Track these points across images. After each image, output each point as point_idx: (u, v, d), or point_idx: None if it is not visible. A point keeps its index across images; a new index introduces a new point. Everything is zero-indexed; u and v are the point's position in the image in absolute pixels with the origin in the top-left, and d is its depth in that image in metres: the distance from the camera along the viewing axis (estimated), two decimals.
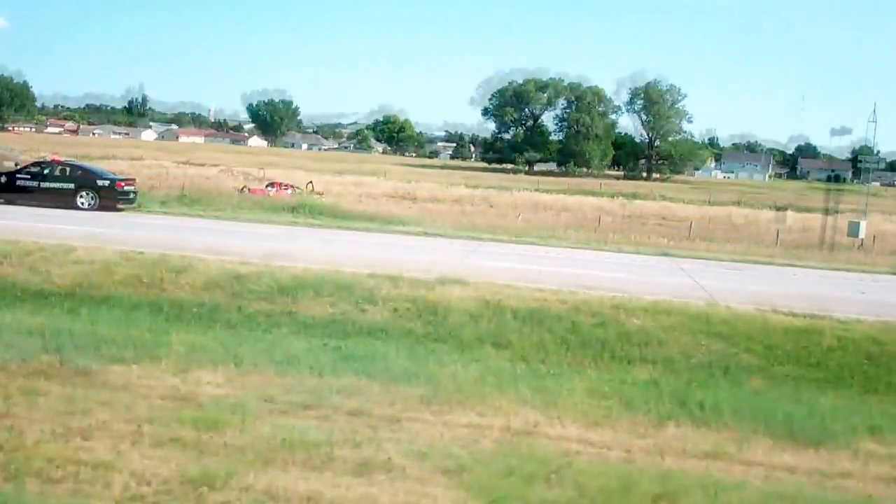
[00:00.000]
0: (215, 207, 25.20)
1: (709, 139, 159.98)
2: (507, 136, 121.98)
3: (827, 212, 33.99)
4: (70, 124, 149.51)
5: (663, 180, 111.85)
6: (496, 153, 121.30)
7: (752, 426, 9.26)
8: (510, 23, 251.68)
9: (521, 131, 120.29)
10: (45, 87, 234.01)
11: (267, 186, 37.22)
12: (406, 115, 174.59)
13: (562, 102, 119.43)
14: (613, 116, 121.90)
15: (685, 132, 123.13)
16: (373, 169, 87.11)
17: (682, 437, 8.94)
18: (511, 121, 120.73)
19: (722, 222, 47.10)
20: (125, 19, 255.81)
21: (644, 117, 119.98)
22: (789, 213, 36.62)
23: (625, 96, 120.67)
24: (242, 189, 34.73)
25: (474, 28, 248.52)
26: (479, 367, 10.48)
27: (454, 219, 32.44)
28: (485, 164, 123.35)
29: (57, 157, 27.92)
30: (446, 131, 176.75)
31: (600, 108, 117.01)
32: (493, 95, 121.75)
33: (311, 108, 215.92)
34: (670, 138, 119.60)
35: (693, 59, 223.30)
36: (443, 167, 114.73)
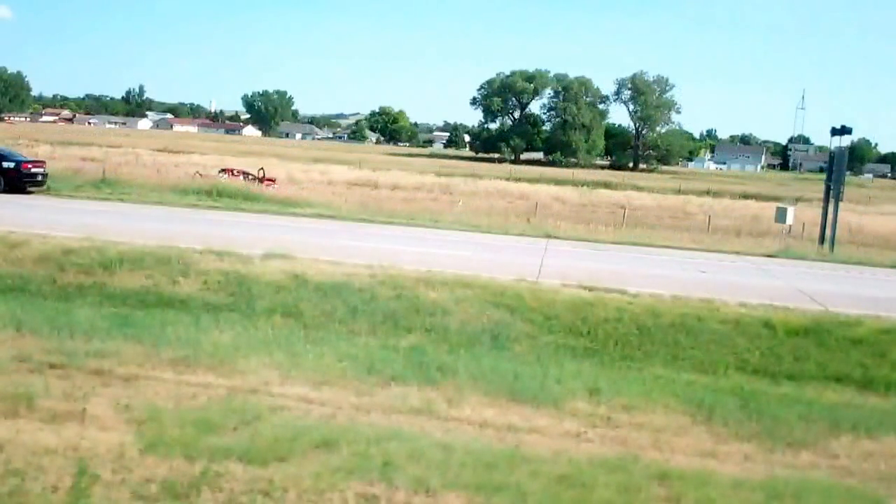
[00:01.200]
0: (132, 193, 25.74)
1: (707, 133, 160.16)
2: (493, 126, 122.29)
3: (765, 199, 34.37)
4: (66, 112, 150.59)
5: (650, 171, 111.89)
6: (484, 143, 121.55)
7: (477, 386, 9.82)
8: (512, 26, 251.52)
9: (508, 120, 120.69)
10: (46, 89, 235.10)
11: (219, 172, 38.33)
12: (407, 116, 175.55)
13: (549, 93, 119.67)
14: (611, 113, 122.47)
15: (674, 122, 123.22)
16: (357, 158, 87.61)
17: (401, 395, 9.51)
18: (499, 110, 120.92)
19: (676, 210, 47.64)
20: (127, 19, 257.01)
21: (632, 108, 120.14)
22: (727, 200, 37.11)
23: (626, 95, 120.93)
24: (195, 174, 35.74)
25: (476, 32, 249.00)
26: (248, 335, 11.05)
27: (390, 206, 32.77)
28: (472, 154, 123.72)
29: None
30: (445, 121, 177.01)
31: (587, 99, 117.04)
32: (482, 87, 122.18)
33: (313, 110, 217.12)
34: (659, 128, 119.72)
35: (695, 62, 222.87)
36: (430, 156, 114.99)
